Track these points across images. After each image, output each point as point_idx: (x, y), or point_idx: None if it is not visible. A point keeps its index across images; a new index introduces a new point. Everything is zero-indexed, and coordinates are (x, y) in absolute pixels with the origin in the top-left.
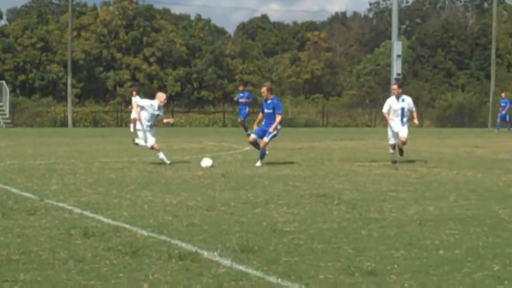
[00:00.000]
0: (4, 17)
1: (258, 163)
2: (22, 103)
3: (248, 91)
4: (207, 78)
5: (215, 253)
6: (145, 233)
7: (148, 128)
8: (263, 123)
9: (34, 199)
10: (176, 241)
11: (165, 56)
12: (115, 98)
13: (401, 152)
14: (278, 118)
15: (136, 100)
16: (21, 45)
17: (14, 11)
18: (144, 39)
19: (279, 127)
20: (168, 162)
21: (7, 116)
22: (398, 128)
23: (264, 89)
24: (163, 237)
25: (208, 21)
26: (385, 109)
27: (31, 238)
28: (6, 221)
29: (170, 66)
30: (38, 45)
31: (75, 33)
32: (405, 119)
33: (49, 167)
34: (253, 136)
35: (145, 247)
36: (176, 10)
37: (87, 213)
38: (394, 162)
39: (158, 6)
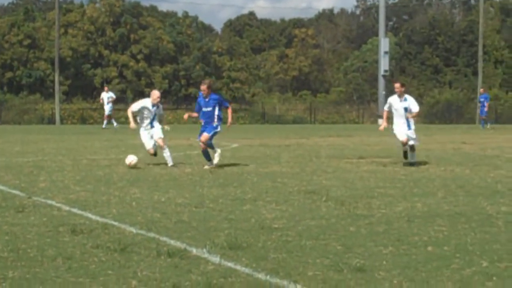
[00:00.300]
0: None
1: (207, 166)
2: (10, 100)
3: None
4: (195, 75)
5: (204, 250)
6: (133, 230)
7: (149, 127)
8: (202, 124)
9: (22, 196)
10: (165, 238)
11: (152, 53)
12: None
13: (405, 155)
14: (230, 110)
15: (132, 108)
16: (8, 42)
17: (1, 8)
18: (132, 36)
19: (219, 127)
20: (171, 163)
21: None
22: (402, 129)
23: (204, 87)
24: (151, 234)
25: (195, 18)
26: (385, 107)
27: (19, 235)
28: None
29: (158, 63)
30: (25, 42)
31: (62, 30)
32: (410, 120)
33: (37, 164)
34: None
35: (133, 244)
36: (163, 7)
37: (75, 210)
38: (412, 163)
39: (145, 3)
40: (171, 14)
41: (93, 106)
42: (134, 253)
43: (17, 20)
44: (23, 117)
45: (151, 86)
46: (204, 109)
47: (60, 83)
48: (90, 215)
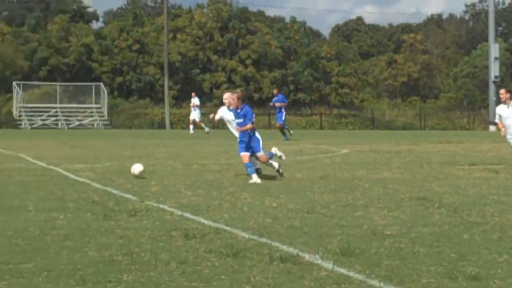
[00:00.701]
0: (101, 19)
1: (280, 171)
2: (120, 105)
3: (282, 94)
4: (303, 81)
5: (317, 256)
6: (245, 235)
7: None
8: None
9: (134, 200)
10: (277, 244)
11: (260, 59)
12: (212, 100)
13: None
14: (249, 125)
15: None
16: (117, 47)
17: (110, 14)
18: (240, 41)
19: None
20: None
21: (106, 117)
22: None
23: (234, 96)
24: (263, 240)
25: (303, 24)
26: (497, 119)
27: (133, 239)
28: (107, 222)
29: (266, 69)
30: (135, 47)
31: (170, 35)
32: None
33: (148, 168)
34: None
35: (246, 249)
36: (270, 12)
37: (187, 214)
38: None
39: (252, 8)
40: (279, 19)
41: (202, 111)
42: (246, 258)
43: (126, 25)
44: (133, 121)
45: (259, 91)
46: (237, 121)
47: (170, 88)
48: (202, 220)
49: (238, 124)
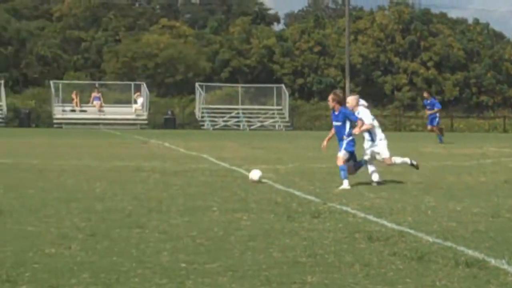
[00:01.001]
0: (282, 21)
1: (344, 185)
2: (301, 106)
3: (434, 98)
4: (486, 83)
5: (503, 261)
6: (430, 239)
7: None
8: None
9: (317, 202)
10: (462, 248)
11: (442, 61)
12: (393, 103)
13: None
14: (364, 124)
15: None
16: (298, 49)
17: (291, 16)
18: (421, 43)
19: (352, 143)
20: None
21: (287, 119)
22: None
23: (329, 98)
24: (448, 243)
25: (486, 25)
26: None
27: (316, 241)
28: (291, 224)
29: (448, 71)
30: (316, 49)
31: (352, 37)
32: None
33: (329, 170)
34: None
35: (430, 253)
36: (453, 14)
37: (370, 217)
38: None
39: (435, 10)
40: (461, 21)
41: (383, 113)
42: (431, 262)
43: (307, 27)
44: (314, 123)
45: (441, 93)
46: (334, 123)
47: (351, 90)
48: (385, 223)
49: (335, 127)
